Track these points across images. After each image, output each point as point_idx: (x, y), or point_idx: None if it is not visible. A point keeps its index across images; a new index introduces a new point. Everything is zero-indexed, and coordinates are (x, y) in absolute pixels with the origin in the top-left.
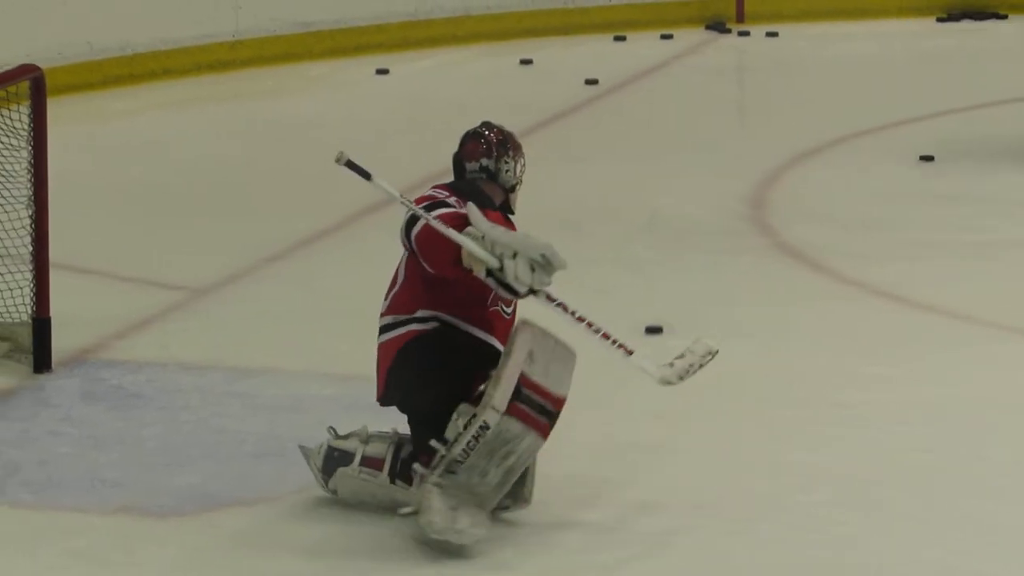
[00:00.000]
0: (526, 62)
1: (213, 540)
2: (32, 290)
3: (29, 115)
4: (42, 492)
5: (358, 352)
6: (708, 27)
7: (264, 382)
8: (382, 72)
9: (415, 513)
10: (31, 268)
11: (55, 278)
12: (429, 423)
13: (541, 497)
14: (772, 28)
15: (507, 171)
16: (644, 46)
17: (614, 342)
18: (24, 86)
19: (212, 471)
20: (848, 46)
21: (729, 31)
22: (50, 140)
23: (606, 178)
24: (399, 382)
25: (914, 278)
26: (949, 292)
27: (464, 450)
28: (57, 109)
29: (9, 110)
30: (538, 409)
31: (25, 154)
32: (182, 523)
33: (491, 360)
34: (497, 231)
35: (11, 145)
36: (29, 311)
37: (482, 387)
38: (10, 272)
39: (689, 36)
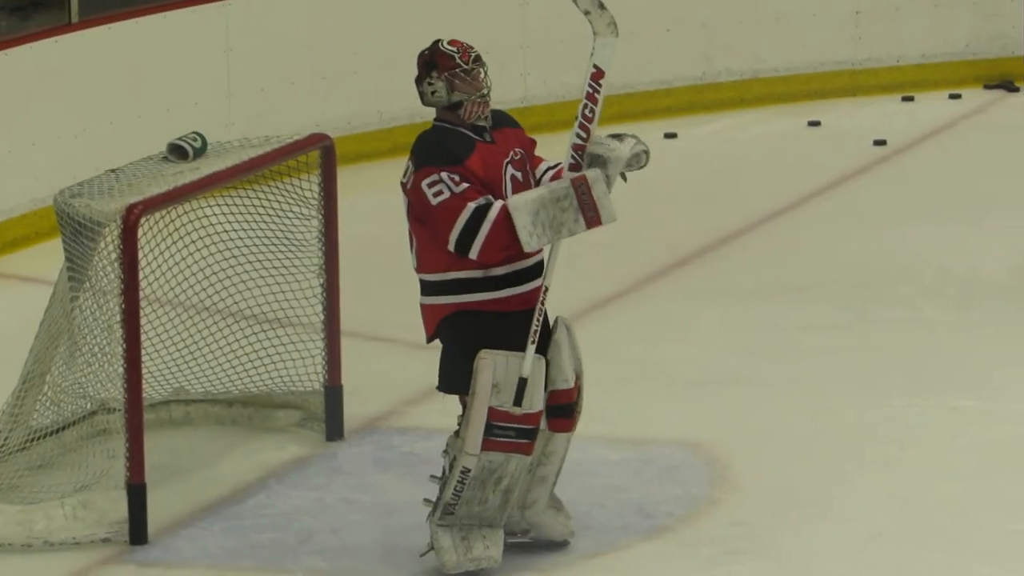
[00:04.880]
0: (814, 124)
1: None
2: (324, 358)
3: (319, 184)
4: (336, 560)
5: (649, 416)
6: (995, 86)
7: None
8: (670, 136)
9: (431, 551)
10: (322, 336)
11: (346, 346)
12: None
13: None
14: None
15: (432, 92)
16: (932, 106)
17: (595, 81)
18: (314, 155)
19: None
20: None
21: (1017, 90)
22: (340, 208)
23: (895, 239)
24: (442, 360)
25: None
26: None
27: (454, 493)
28: (347, 178)
29: (299, 179)
30: (515, 434)
31: (315, 223)
32: None
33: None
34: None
35: (302, 214)
36: (321, 379)
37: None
38: (301, 340)
39: (977, 96)
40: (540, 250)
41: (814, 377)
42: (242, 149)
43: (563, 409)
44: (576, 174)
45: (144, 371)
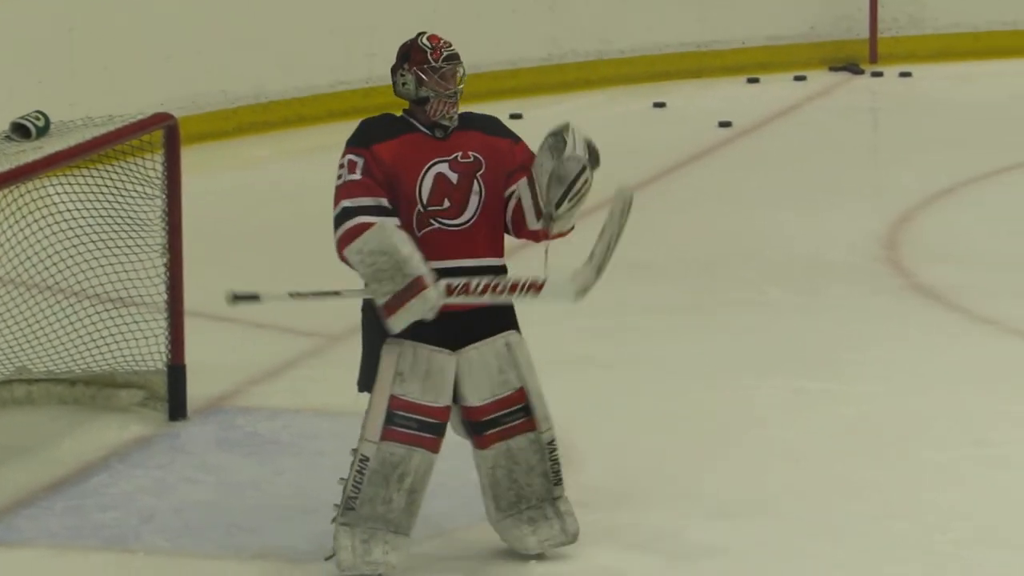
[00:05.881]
0: (659, 105)
1: None
2: (167, 338)
3: (163, 163)
4: (178, 539)
5: None
6: (841, 68)
7: None
8: (515, 116)
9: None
10: (165, 316)
11: (189, 326)
12: None
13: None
14: (905, 68)
15: (402, 84)
16: (777, 88)
17: (523, 287)
18: (158, 135)
19: None
20: (981, 86)
21: (862, 72)
22: (184, 188)
23: (741, 221)
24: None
25: None
26: None
27: (354, 485)
28: (191, 157)
29: (143, 159)
30: (417, 425)
31: (159, 202)
32: (319, 569)
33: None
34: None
35: (145, 194)
36: (164, 359)
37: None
38: (145, 320)
39: (822, 78)
40: (465, 253)
41: (660, 359)
42: (85, 128)
43: (472, 425)
44: (441, 281)
45: None
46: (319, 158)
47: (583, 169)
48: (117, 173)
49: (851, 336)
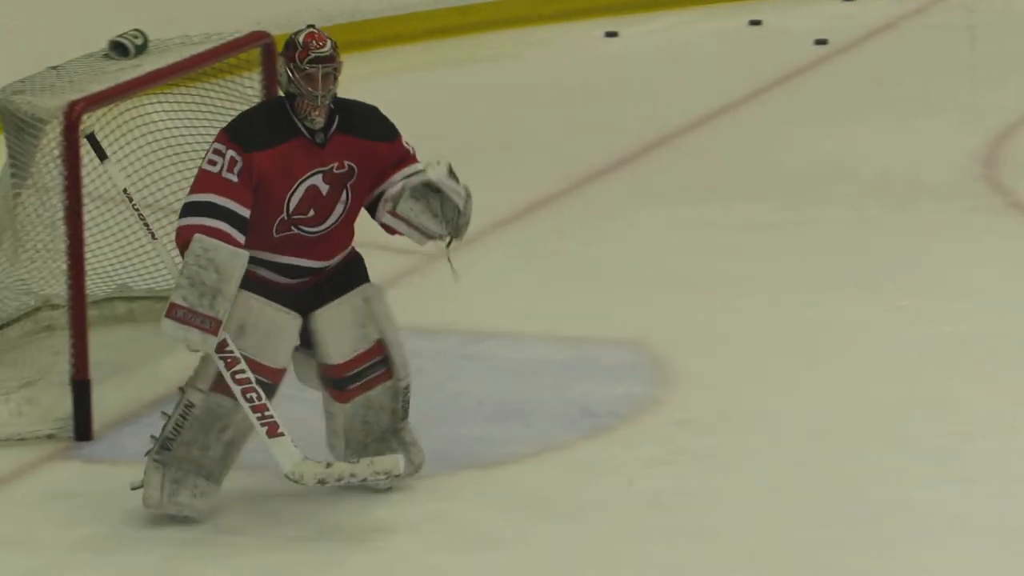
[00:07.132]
0: (755, 23)
1: (453, 503)
2: None
3: (261, 82)
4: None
5: (591, 316)
6: None
7: (498, 345)
8: (611, 35)
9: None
10: None
11: None
12: None
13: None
14: None
15: (279, 75)
16: (874, 6)
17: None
18: (255, 53)
19: (449, 435)
20: None
21: None
22: None
23: (837, 139)
24: None
25: None
26: None
27: (175, 428)
28: None
29: (241, 77)
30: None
31: None
32: (421, 485)
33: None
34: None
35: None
36: None
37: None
38: None
39: None
40: (318, 256)
41: (756, 276)
42: (183, 47)
43: (335, 381)
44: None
45: (88, 268)
46: (415, 77)
47: (464, 196)
48: (215, 91)
49: (947, 253)
